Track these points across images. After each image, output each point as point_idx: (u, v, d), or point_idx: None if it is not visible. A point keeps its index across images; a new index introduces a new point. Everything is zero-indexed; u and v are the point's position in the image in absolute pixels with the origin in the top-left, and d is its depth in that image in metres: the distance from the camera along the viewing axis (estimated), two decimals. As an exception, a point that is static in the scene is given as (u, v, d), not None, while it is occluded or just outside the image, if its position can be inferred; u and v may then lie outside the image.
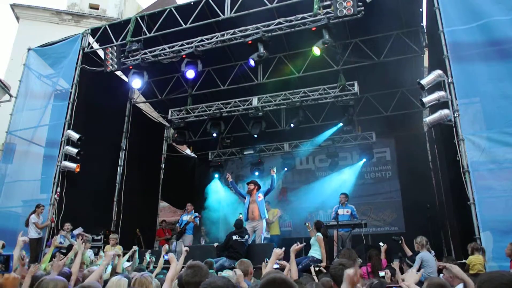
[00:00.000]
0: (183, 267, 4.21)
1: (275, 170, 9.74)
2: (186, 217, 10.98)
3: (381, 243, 7.38)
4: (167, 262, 5.56)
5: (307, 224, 8.66)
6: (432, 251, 6.69)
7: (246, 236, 8.28)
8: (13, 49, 19.10)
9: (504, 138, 6.66)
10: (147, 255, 7.46)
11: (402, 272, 5.87)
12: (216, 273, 5.43)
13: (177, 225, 11.14)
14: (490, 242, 6.23)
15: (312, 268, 5.95)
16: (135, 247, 7.59)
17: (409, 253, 7.30)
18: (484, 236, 6.27)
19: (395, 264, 6.14)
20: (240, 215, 8.87)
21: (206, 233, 12.79)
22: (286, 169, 14.54)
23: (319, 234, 7.80)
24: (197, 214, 11.09)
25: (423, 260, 6.16)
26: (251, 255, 7.57)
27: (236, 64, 11.90)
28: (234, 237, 8.08)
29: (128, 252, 7.48)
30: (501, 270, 4.09)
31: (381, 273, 5.60)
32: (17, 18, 20.24)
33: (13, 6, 19.88)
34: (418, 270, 6.13)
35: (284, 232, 13.72)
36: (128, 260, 7.49)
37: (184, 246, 8.94)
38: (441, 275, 5.11)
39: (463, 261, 6.39)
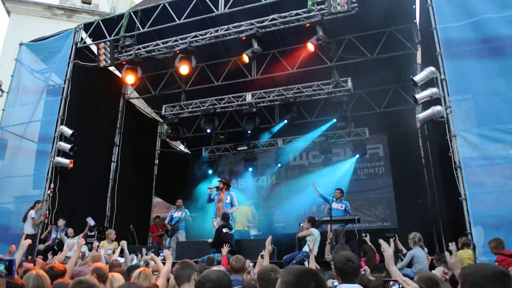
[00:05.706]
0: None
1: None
2: (176, 214, 10.81)
3: (363, 234, 7.41)
4: None
5: (301, 225, 8.64)
6: (425, 248, 6.76)
7: (233, 229, 8.43)
8: (4, 43, 18.94)
9: (495, 135, 6.74)
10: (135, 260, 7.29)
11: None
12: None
13: (165, 221, 11.08)
14: (481, 237, 6.31)
15: (306, 262, 6.00)
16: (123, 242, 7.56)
17: (403, 248, 7.35)
18: (475, 231, 6.35)
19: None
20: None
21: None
22: (279, 165, 14.60)
23: (317, 230, 7.86)
24: (187, 211, 11.04)
25: (414, 257, 6.23)
26: (244, 250, 7.63)
27: (230, 60, 11.88)
28: (224, 230, 8.10)
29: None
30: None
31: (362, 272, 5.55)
32: (8, 12, 20.02)
33: (4, 0, 19.65)
34: (409, 266, 6.23)
35: (277, 227, 13.80)
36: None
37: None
38: (433, 271, 5.16)
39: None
